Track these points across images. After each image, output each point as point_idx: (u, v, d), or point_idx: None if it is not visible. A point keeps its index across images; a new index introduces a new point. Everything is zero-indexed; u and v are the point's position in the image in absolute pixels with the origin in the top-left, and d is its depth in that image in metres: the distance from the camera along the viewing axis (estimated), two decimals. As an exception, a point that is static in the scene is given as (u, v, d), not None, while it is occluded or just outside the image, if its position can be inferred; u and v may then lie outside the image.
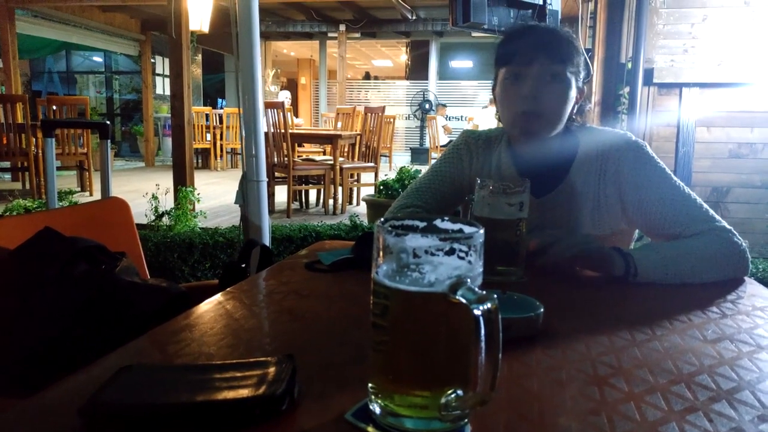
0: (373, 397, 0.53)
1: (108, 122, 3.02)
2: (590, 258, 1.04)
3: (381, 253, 0.50)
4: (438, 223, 0.54)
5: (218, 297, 0.91)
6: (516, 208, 0.98)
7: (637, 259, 1.01)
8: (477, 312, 0.46)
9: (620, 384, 0.62)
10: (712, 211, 1.11)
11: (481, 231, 0.50)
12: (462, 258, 0.49)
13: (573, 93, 1.15)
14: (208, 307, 0.86)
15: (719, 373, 0.66)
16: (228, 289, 0.96)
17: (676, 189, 1.13)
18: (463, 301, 0.47)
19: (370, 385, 0.54)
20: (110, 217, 1.64)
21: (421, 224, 0.53)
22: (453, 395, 0.50)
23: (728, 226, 1.08)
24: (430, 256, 0.48)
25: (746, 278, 1.08)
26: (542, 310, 0.76)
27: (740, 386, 0.63)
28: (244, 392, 0.54)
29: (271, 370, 0.57)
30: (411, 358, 0.51)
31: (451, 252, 0.49)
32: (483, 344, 0.46)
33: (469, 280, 0.48)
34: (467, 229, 0.52)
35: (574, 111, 1.20)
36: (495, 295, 0.47)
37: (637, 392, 0.60)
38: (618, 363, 0.68)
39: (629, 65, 3.67)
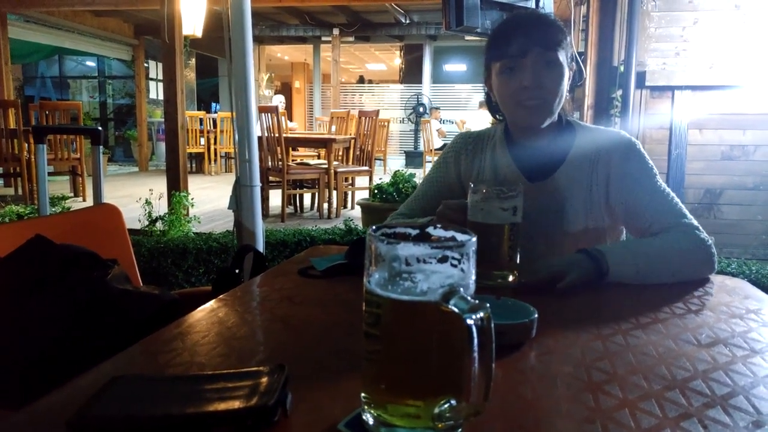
0: (366, 407, 0.53)
1: (100, 128, 3.00)
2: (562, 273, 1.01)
3: (373, 262, 0.50)
4: (430, 230, 0.53)
5: (211, 304, 0.90)
6: (510, 212, 0.98)
7: (606, 254, 1.02)
8: (470, 321, 0.45)
9: (615, 390, 0.62)
10: (684, 209, 1.15)
11: (474, 239, 0.50)
12: (455, 266, 0.49)
13: (567, 74, 1.20)
14: (201, 315, 0.86)
15: (713, 379, 0.66)
16: (221, 296, 0.95)
17: (656, 185, 1.17)
18: (456, 310, 0.46)
19: (362, 394, 0.53)
20: (102, 224, 1.62)
21: (414, 232, 0.53)
22: (446, 405, 0.50)
23: (695, 223, 1.12)
24: (423, 264, 0.48)
25: (739, 280, 1.09)
26: (536, 315, 0.76)
27: (735, 392, 0.62)
28: (235, 403, 0.53)
29: (263, 380, 0.57)
30: (404, 367, 0.50)
31: (443, 260, 0.48)
32: (476, 354, 0.45)
33: (461, 288, 0.48)
34: (460, 237, 0.52)
35: (568, 89, 1.23)
36: (488, 304, 0.46)
37: (632, 399, 0.60)
38: (612, 369, 0.68)
39: (621, 68, 3.69)
